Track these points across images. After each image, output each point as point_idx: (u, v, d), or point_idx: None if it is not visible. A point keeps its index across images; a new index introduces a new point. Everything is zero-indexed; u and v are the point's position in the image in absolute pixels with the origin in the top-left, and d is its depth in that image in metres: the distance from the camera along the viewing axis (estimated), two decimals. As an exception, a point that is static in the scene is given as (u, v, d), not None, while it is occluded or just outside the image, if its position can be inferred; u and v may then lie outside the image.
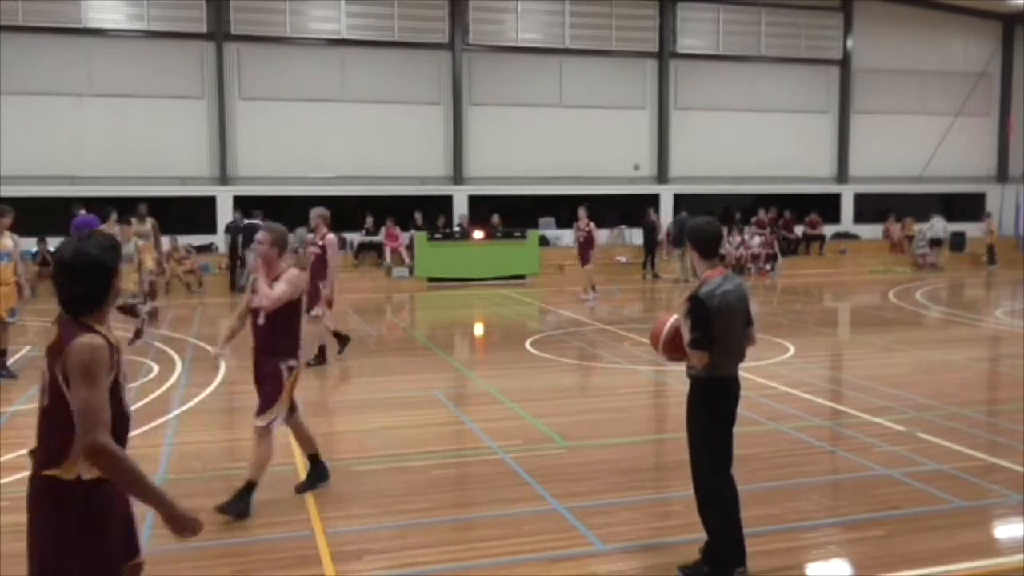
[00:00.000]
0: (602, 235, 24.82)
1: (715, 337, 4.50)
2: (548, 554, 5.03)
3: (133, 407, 9.08)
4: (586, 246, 18.22)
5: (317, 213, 10.79)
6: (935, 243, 24.64)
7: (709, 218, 4.78)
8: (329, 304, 10.87)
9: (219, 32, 21.89)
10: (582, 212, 18.30)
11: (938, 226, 24.83)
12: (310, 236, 11.47)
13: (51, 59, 20.95)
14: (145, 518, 5.60)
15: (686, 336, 4.57)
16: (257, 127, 22.46)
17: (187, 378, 10.16)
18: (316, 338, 10.69)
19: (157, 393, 9.36)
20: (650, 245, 23.07)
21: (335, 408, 8.73)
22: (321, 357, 10.88)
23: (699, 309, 4.51)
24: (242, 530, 5.50)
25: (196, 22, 21.81)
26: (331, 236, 10.78)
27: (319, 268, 10.64)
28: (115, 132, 21.46)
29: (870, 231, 27.12)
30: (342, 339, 11.47)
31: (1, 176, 20.07)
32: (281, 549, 5.15)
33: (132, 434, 8.06)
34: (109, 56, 21.42)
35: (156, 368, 10.72)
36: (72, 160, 21.13)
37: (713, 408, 4.67)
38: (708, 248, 4.63)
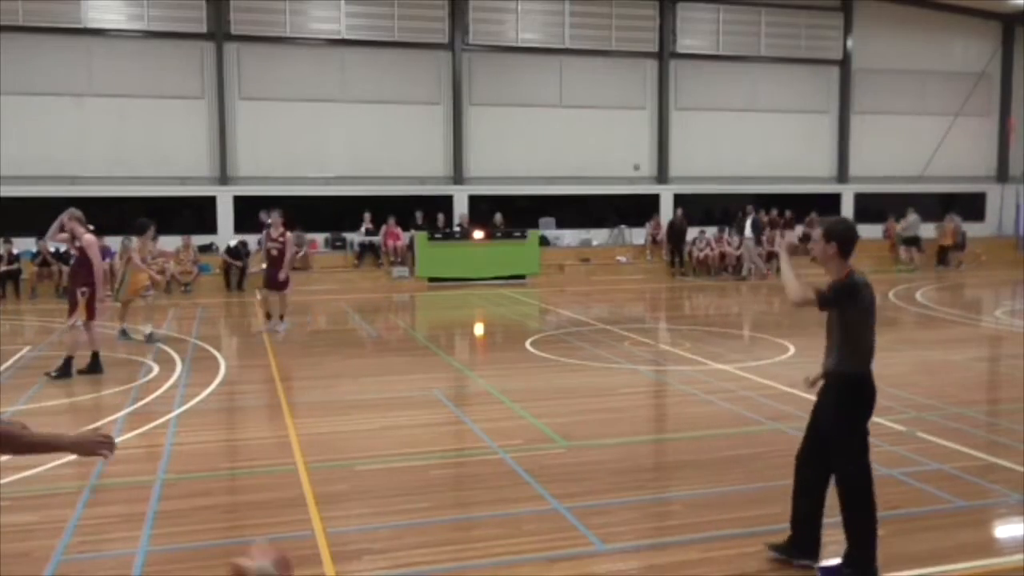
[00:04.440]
0: (602, 234, 25.03)
1: (859, 331, 4.51)
2: (548, 554, 5.03)
3: (134, 407, 9.09)
4: (278, 261, 13.42)
5: (69, 215, 10.11)
6: (912, 241, 24.40)
7: (843, 217, 4.76)
8: (90, 313, 10.15)
9: (219, 32, 21.89)
10: (276, 216, 13.72)
11: (914, 223, 24.48)
12: (63, 235, 10.33)
13: (51, 59, 20.95)
14: (146, 518, 5.62)
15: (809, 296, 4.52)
16: (257, 127, 22.46)
17: (187, 378, 10.16)
18: (72, 348, 10.13)
19: (157, 393, 9.35)
20: (680, 245, 23.17)
21: (335, 408, 8.73)
22: (65, 369, 10.02)
23: (849, 289, 4.46)
24: (242, 530, 5.50)
25: (196, 22, 21.81)
26: (89, 236, 10.10)
27: (79, 273, 10.10)
28: (115, 132, 21.46)
29: (870, 231, 27.10)
30: (94, 361, 10.28)
31: (1, 176, 20.11)
32: (281, 549, 5.14)
33: (132, 434, 8.09)
34: (109, 56, 21.42)
35: (156, 368, 10.72)
36: (72, 160, 21.13)
37: (867, 407, 4.60)
38: (851, 247, 4.58)
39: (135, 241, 13.10)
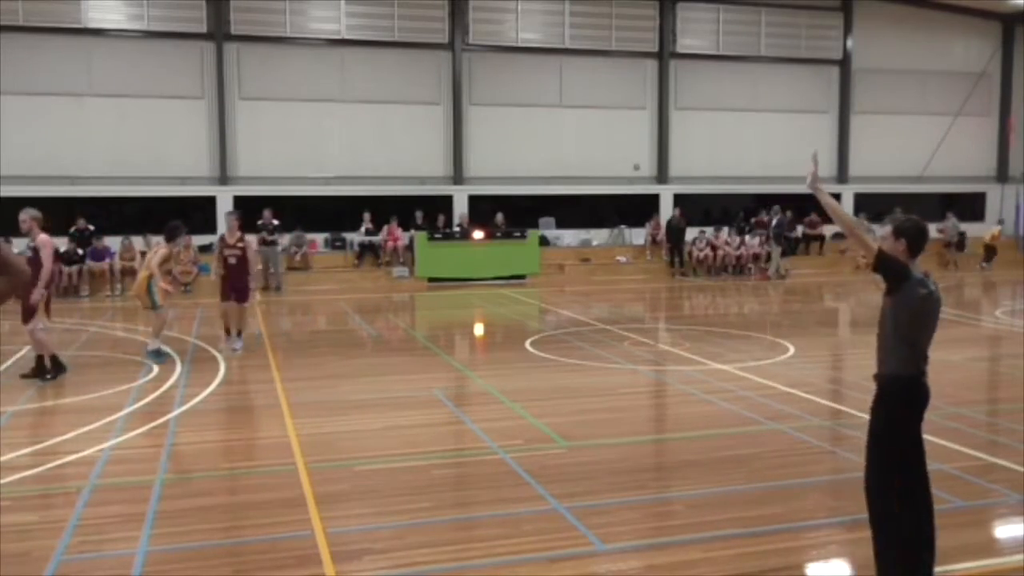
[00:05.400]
0: (602, 234, 25.02)
1: (911, 333, 4.47)
2: (548, 554, 5.03)
3: (134, 407, 9.08)
4: (240, 272, 12.08)
5: (29, 215, 10.01)
6: None
7: (914, 216, 4.79)
8: (48, 313, 10.16)
9: (219, 32, 21.89)
10: (231, 220, 12.49)
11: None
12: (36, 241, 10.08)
13: (51, 59, 20.95)
14: (146, 518, 5.61)
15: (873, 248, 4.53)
16: (257, 127, 22.45)
17: (187, 378, 10.16)
18: (49, 348, 10.07)
19: (157, 393, 9.36)
20: (679, 244, 23.19)
21: (335, 408, 8.73)
22: (39, 370, 9.99)
23: (905, 271, 4.45)
24: (242, 530, 5.51)
25: (196, 22, 21.80)
26: (43, 236, 9.94)
27: (35, 274, 9.60)
28: (115, 132, 21.46)
29: (870, 231, 27.14)
30: (57, 365, 10.14)
31: (1, 176, 20.10)
32: (281, 549, 5.14)
33: (132, 434, 8.08)
34: (109, 56, 21.42)
35: (156, 368, 10.72)
36: (72, 160, 21.12)
37: (909, 409, 4.55)
38: (919, 245, 4.60)
39: (162, 247, 11.55)
